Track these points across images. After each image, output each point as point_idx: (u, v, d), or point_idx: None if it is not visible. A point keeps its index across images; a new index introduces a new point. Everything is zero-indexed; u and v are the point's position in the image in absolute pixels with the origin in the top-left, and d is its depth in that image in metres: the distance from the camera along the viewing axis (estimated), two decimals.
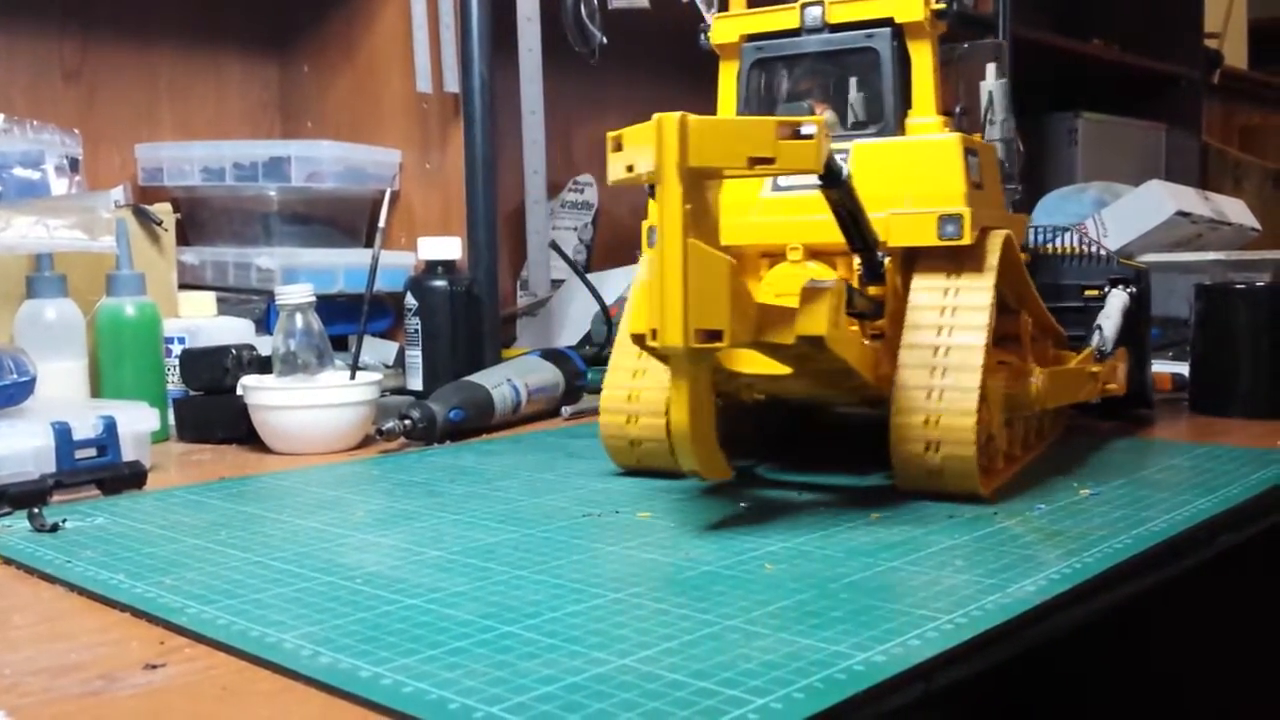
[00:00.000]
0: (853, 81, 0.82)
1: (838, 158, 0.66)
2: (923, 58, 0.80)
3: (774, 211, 0.80)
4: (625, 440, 0.82)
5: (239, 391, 0.96)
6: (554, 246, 1.47)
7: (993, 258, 0.75)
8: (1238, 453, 0.86)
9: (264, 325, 1.25)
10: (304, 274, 1.25)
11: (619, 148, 0.65)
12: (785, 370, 0.71)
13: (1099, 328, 0.94)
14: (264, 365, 0.99)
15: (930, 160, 0.77)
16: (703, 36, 0.89)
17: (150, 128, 1.41)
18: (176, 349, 1.05)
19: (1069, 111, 2.49)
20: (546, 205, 1.48)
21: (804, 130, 0.61)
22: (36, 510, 0.71)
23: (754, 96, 0.86)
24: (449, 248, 1.17)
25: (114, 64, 1.38)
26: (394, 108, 1.43)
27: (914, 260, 0.77)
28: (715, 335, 0.61)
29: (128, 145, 1.37)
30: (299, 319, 0.97)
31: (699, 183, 0.61)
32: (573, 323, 1.49)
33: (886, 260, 0.75)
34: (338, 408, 0.95)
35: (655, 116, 0.60)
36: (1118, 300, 0.97)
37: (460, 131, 1.34)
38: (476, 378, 1.06)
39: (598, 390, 1.27)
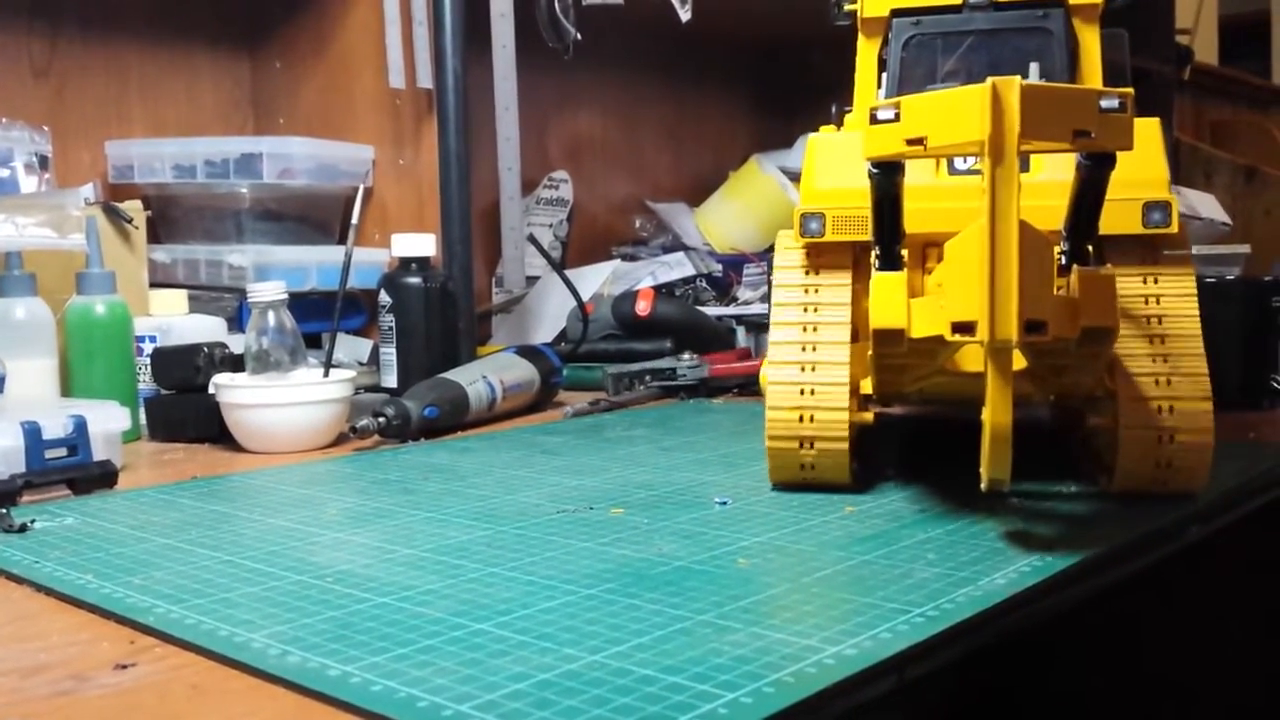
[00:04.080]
0: (1019, 64, 0.75)
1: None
2: (1091, 41, 0.76)
3: (950, 198, 0.72)
4: (797, 464, 0.74)
5: (211, 390, 0.96)
6: (532, 240, 1.46)
7: (1189, 247, 0.72)
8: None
9: (236, 323, 1.25)
10: (276, 271, 1.24)
11: (895, 118, 0.59)
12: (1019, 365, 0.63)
13: None
14: (236, 363, 0.98)
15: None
16: (835, 9, 0.83)
17: (121, 125, 1.40)
18: (148, 347, 1.05)
19: None
20: (521, 202, 1.48)
21: (1104, 104, 0.56)
22: (5, 510, 0.70)
23: (908, 75, 0.79)
24: (423, 244, 1.17)
25: (83, 61, 1.37)
26: (367, 104, 1.42)
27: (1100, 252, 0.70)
28: (1040, 326, 0.55)
29: (98, 142, 1.36)
30: (271, 317, 0.96)
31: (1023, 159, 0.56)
32: (548, 319, 1.49)
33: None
34: (311, 406, 0.95)
35: (989, 81, 0.54)
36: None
37: (434, 127, 1.34)
38: (451, 375, 1.05)
39: (573, 387, 1.28)
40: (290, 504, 0.74)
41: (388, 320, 1.15)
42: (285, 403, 0.94)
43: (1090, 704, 1.09)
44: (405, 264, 1.16)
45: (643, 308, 1.38)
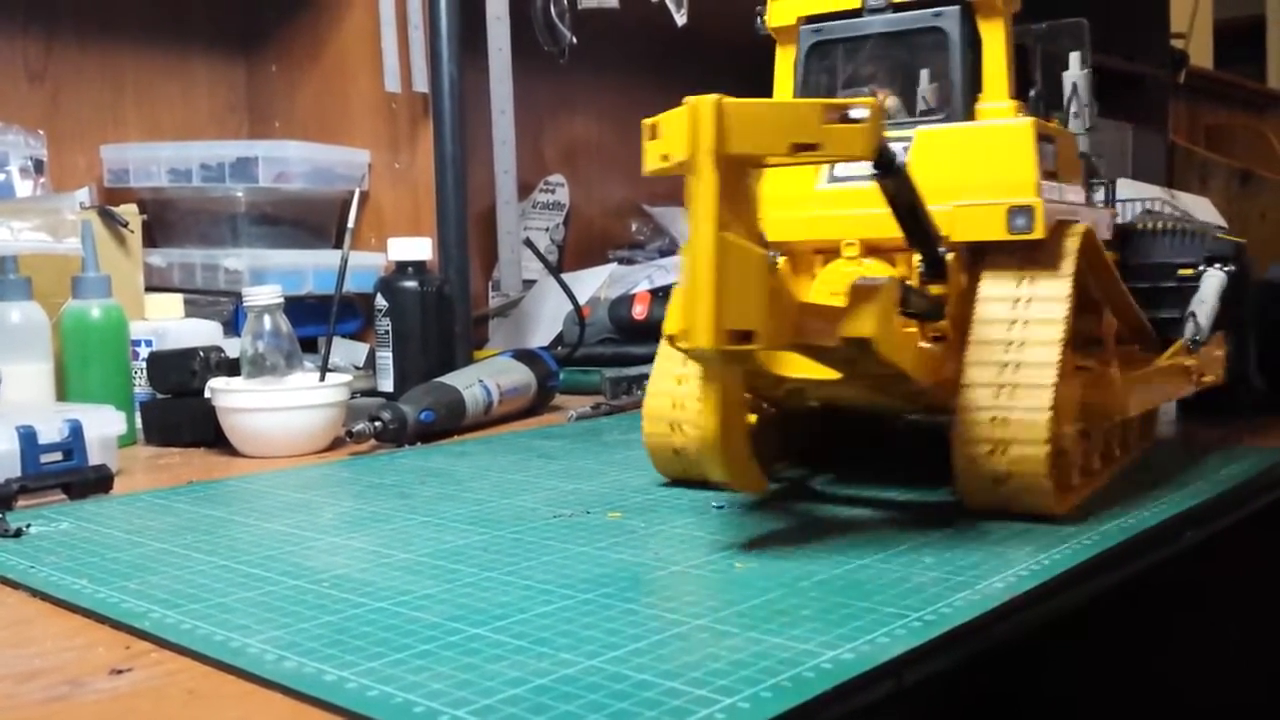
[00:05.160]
0: (920, 65, 0.77)
1: (893, 145, 0.61)
2: (995, 38, 0.74)
3: (829, 205, 0.74)
4: (670, 450, 0.77)
5: (207, 394, 0.96)
6: (529, 244, 1.46)
7: (1070, 253, 0.68)
8: (1205, 449, 0.87)
9: (232, 327, 1.24)
10: (272, 275, 1.24)
11: (654, 135, 0.59)
12: (833, 375, 0.66)
13: (1192, 315, 0.86)
14: (232, 367, 0.98)
15: (999, 147, 0.70)
16: (759, 20, 0.82)
17: (116, 129, 1.40)
18: (143, 351, 1.04)
19: None
20: (517, 205, 1.48)
21: (853, 114, 0.56)
22: (1, 515, 0.70)
23: (812, 83, 0.79)
24: (419, 248, 1.16)
25: (79, 65, 1.37)
26: (362, 108, 1.42)
27: (982, 257, 0.71)
28: (747, 336, 0.56)
29: (93, 146, 1.36)
30: (267, 320, 0.96)
31: (739, 172, 0.56)
32: (545, 323, 1.49)
33: (949, 256, 0.70)
34: (307, 410, 0.94)
35: (688, 99, 0.55)
36: (1213, 281, 0.89)
37: (429, 131, 1.34)
38: (448, 379, 1.05)
39: (570, 391, 1.28)
40: (286, 508, 0.74)
41: (384, 324, 1.15)
42: (281, 407, 0.93)
43: (1090, 708, 1.08)
44: (401, 268, 1.15)
45: (639, 311, 1.38)
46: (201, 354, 0.98)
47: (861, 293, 0.60)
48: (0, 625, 0.53)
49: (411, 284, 1.15)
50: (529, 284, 1.55)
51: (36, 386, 0.96)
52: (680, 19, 1.44)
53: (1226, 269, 0.89)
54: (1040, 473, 0.64)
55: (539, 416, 1.15)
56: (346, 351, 1.39)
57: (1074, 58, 0.93)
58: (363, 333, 1.43)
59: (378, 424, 0.95)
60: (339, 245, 1.37)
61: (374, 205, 1.42)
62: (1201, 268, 0.90)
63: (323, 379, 0.98)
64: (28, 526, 0.69)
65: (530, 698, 0.41)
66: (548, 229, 1.70)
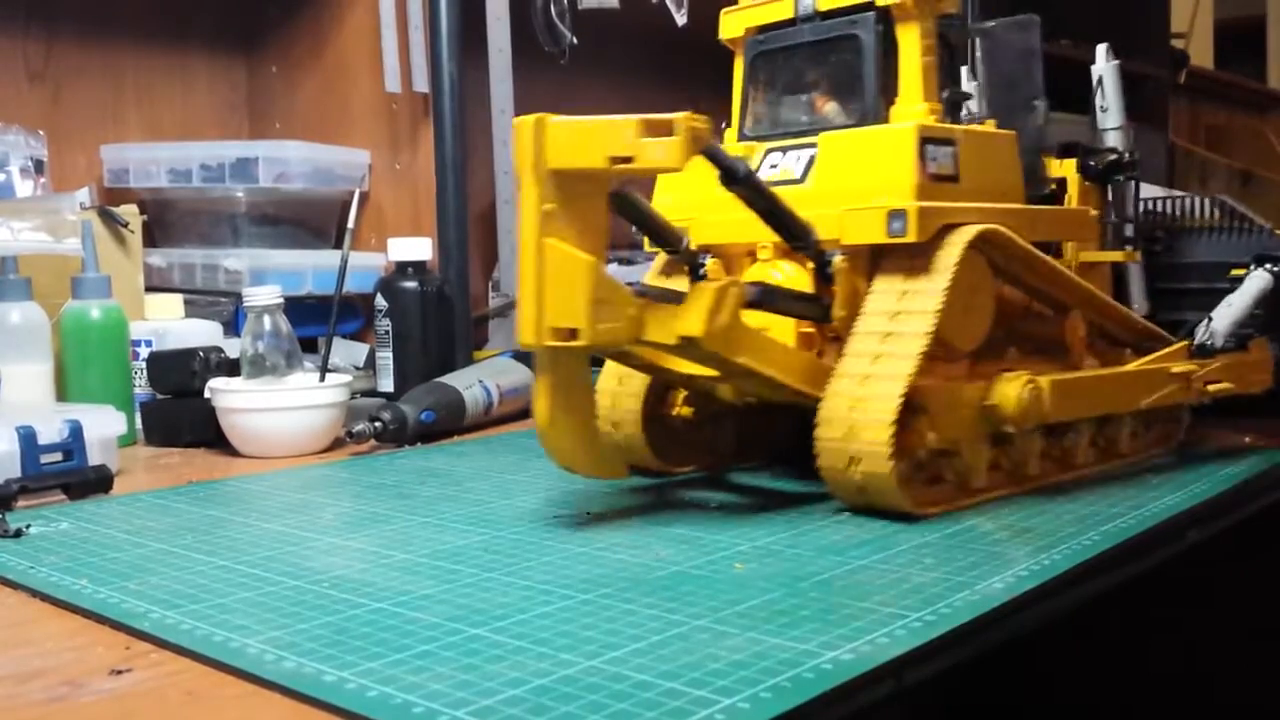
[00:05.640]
0: (848, 71, 0.78)
1: (730, 155, 0.66)
2: (910, 42, 0.75)
3: (740, 209, 0.75)
4: (610, 444, 0.80)
5: (207, 394, 0.96)
6: None
7: (950, 257, 0.69)
8: (1207, 449, 0.87)
9: (232, 327, 1.24)
10: (272, 275, 1.24)
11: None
12: (708, 371, 0.69)
13: (1210, 317, 0.84)
14: (232, 368, 0.98)
15: (881, 152, 0.72)
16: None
17: (116, 129, 1.40)
18: (144, 352, 1.04)
19: None
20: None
21: (679, 129, 0.61)
22: (1, 516, 0.70)
23: (759, 91, 0.82)
24: (419, 248, 1.16)
25: (79, 65, 1.37)
26: (363, 108, 1.42)
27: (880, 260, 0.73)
28: (573, 333, 0.62)
29: (93, 146, 1.36)
30: (267, 321, 0.96)
31: (570, 184, 0.62)
32: None
33: (838, 259, 0.73)
34: (307, 410, 0.94)
35: (515, 119, 0.63)
36: (1256, 283, 0.85)
37: (430, 132, 1.34)
38: (448, 379, 1.05)
39: None
40: (286, 509, 0.74)
41: (384, 324, 1.15)
42: (281, 407, 0.93)
43: (1090, 708, 1.08)
44: (402, 268, 1.15)
45: None
46: (201, 354, 0.98)
47: (698, 292, 0.64)
48: (0, 626, 0.53)
49: (412, 284, 1.15)
50: None
51: (36, 387, 0.96)
52: (680, 19, 1.44)
53: (1277, 269, 0.86)
54: (883, 467, 0.65)
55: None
56: (346, 352, 1.39)
57: (1101, 50, 0.92)
58: (363, 333, 1.43)
59: (378, 424, 0.95)
60: (339, 245, 1.36)
61: (374, 205, 1.42)
62: (1252, 268, 0.86)
63: (323, 379, 0.98)
64: (28, 527, 0.69)
65: (530, 698, 0.41)
66: None
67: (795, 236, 0.71)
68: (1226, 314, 0.84)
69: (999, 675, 1.12)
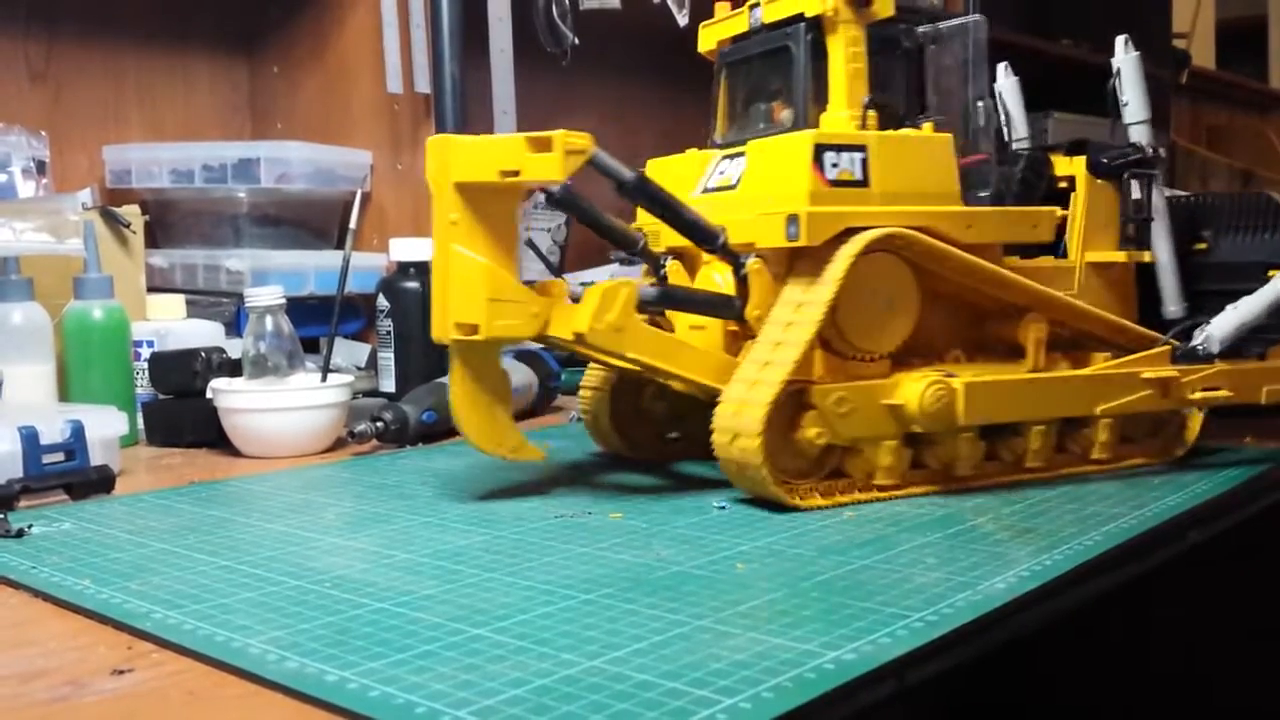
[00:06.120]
0: (791, 80, 0.80)
1: (619, 166, 0.71)
2: (836, 50, 0.76)
3: (704, 211, 0.77)
4: (594, 433, 0.89)
5: (209, 395, 0.96)
6: (530, 245, 1.46)
7: (840, 261, 0.70)
8: (1208, 450, 0.87)
9: (234, 328, 1.24)
10: (274, 276, 1.24)
11: None
12: (628, 366, 0.75)
13: (1206, 321, 0.81)
14: (234, 368, 0.98)
15: (783, 159, 0.75)
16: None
17: (118, 129, 1.40)
18: (145, 352, 1.05)
19: (1039, 112, 2.49)
20: (520, 206, 1.48)
21: (570, 146, 0.68)
22: (3, 516, 0.70)
23: (729, 102, 0.86)
24: (421, 249, 1.16)
25: (81, 65, 1.37)
26: (364, 108, 1.42)
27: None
28: (474, 329, 0.70)
29: (95, 147, 1.36)
30: (269, 321, 0.96)
31: (474, 196, 0.70)
32: None
33: (751, 262, 0.75)
34: (309, 410, 0.94)
35: (428, 139, 0.71)
36: (1275, 288, 0.81)
37: (431, 132, 1.34)
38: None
39: (571, 392, 1.27)
40: (288, 509, 0.74)
41: (386, 325, 1.15)
42: (283, 407, 0.93)
43: (1092, 706, 1.08)
44: (403, 268, 1.15)
45: None
46: (203, 354, 0.98)
47: (589, 293, 0.71)
48: (2, 626, 0.53)
49: (413, 284, 1.14)
50: (530, 285, 1.55)
51: (38, 387, 0.96)
52: (682, 19, 1.44)
53: None
54: (756, 457, 0.67)
55: (540, 417, 1.15)
56: (348, 352, 1.39)
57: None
58: (364, 333, 1.43)
59: (379, 424, 0.95)
60: (341, 246, 1.37)
61: (376, 206, 1.42)
62: None
63: (324, 380, 0.98)
64: (30, 527, 0.69)
65: (532, 698, 0.41)
66: (550, 230, 1.70)
67: (702, 240, 0.75)
68: (1230, 318, 0.81)
69: (1001, 675, 1.12)
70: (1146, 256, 0.89)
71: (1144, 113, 0.88)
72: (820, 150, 0.73)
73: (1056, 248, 0.86)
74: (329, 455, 0.95)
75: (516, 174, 0.69)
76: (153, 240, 1.33)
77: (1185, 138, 3.04)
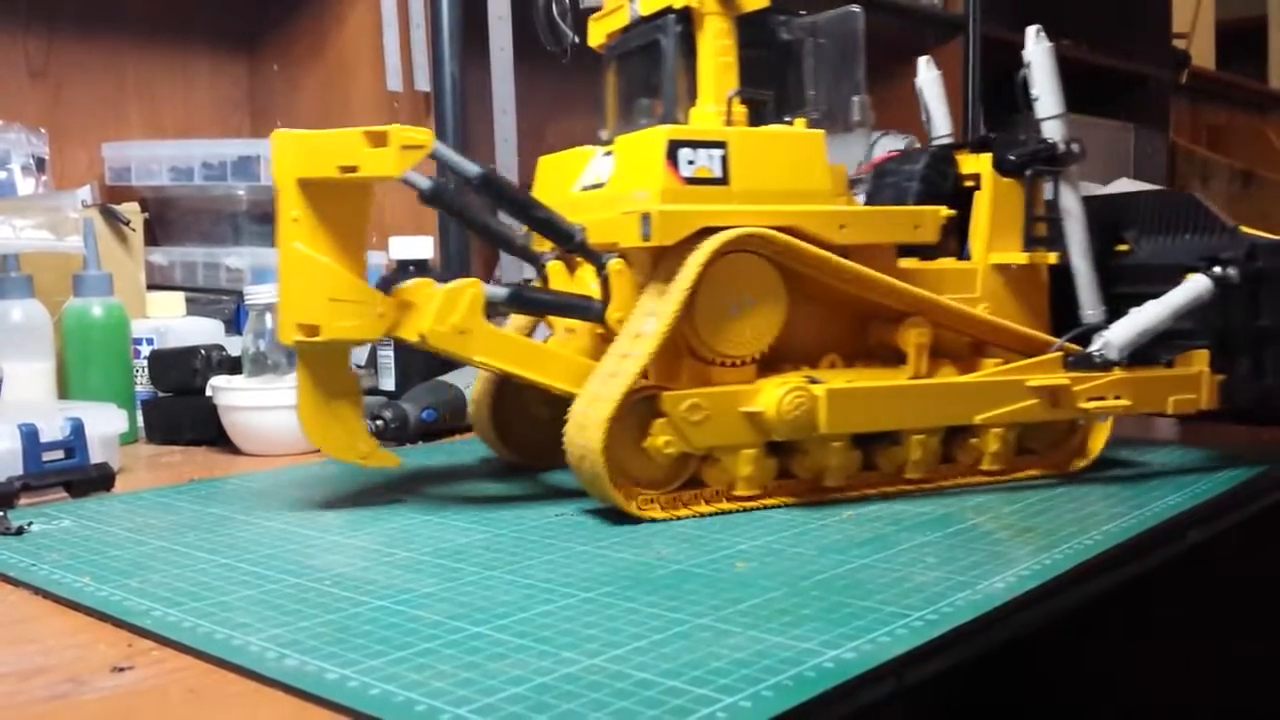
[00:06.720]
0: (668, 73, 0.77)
1: (466, 163, 0.70)
2: (706, 43, 0.74)
3: (581, 210, 0.76)
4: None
5: (208, 392, 0.96)
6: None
7: (693, 262, 0.68)
8: (1208, 450, 0.87)
9: (233, 325, 1.24)
10: (274, 274, 1.23)
11: None
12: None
13: (1105, 327, 0.78)
14: (233, 366, 0.98)
15: (638, 156, 0.72)
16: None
17: (118, 127, 1.40)
18: (145, 350, 1.04)
19: None
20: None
21: (410, 141, 0.67)
22: (2, 513, 0.70)
23: (616, 96, 0.83)
24: (421, 247, 1.16)
25: (80, 62, 1.37)
26: (364, 106, 1.42)
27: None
28: (315, 330, 0.68)
29: (95, 144, 1.36)
30: (269, 319, 0.96)
31: (316, 192, 0.68)
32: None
33: (613, 262, 0.73)
34: None
35: (273, 134, 0.68)
36: (1186, 290, 0.78)
37: (431, 130, 1.34)
38: (449, 378, 1.05)
39: None
40: (288, 507, 0.74)
41: None
42: (283, 405, 0.93)
43: (1092, 706, 1.08)
44: (403, 266, 1.15)
45: None
46: (203, 352, 0.98)
47: (434, 293, 0.70)
48: (2, 623, 0.53)
49: None
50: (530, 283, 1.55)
51: (38, 385, 0.96)
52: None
53: (1224, 273, 0.78)
54: (598, 465, 0.66)
55: None
56: None
57: (1030, 32, 0.87)
58: None
59: (380, 423, 0.95)
60: None
61: (375, 204, 1.42)
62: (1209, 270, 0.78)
63: None
64: (29, 524, 0.69)
65: (532, 696, 0.41)
66: None
67: (557, 238, 0.73)
68: (1131, 323, 0.77)
69: (1000, 674, 1.12)
70: (1052, 258, 0.82)
71: (1057, 107, 0.82)
72: (675, 147, 0.70)
73: (961, 249, 0.82)
74: None
75: (355, 169, 0.67)
76: (152, 238, 1.33)
77: (1185, 138, 3.04)
